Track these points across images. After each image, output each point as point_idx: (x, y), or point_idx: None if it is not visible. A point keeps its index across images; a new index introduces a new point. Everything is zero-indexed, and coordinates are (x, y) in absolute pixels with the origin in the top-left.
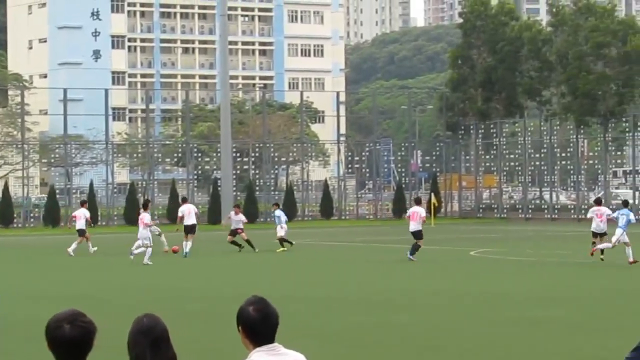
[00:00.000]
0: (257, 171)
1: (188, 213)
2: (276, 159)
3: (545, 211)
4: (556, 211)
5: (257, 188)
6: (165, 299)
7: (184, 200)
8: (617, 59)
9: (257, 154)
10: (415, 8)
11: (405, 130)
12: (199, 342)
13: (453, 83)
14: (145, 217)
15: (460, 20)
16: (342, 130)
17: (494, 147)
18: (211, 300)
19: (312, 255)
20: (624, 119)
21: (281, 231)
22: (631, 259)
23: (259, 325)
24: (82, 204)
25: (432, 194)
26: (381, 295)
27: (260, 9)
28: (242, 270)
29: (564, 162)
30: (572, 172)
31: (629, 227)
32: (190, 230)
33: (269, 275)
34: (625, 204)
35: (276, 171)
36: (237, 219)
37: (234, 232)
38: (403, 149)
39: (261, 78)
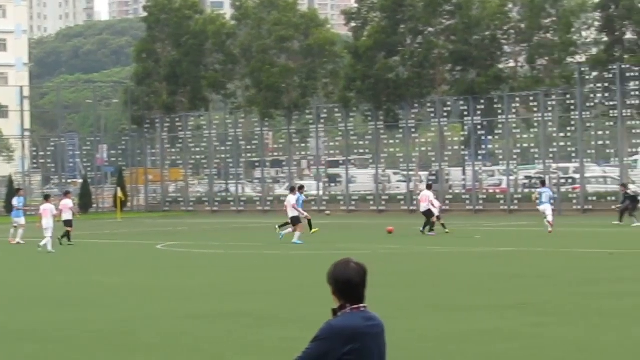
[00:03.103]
0: None
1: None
2: None
3: (232, 203)
4: (242, 203)
5: None
6: None
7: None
8: (300, 52)
9: None
10: (99, 2)
11: (90, 125)
12: None
13: (138, 77)
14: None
15: (145, 14)
16: (27, 125)
17: (180, 141)
18: None
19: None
20: (307, 111)
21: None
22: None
23: None
24: None
25: (119, 188)
26: (64, 292)
27: None
28: None
29: (249, 155)
30: (257, 164)
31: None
32: None
33: None
34: (543, 183)
35: None
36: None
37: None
38: (89, 143)
39: None
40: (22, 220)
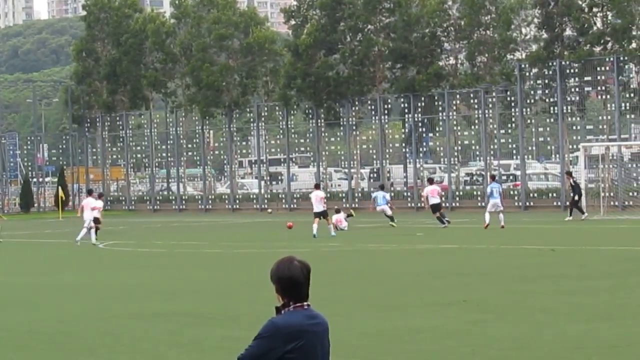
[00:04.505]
0: None
1: (316, 199)
2: None
3: (173, 202)
4: (184, 202)
5: None
6: None
7: (317, 187)
8: (239, 50)
9: None
10: (38, 1)
11: (30, 124)
12: None
13: (78, 76)
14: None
15: (84, 13)
16: None
17: (121, 140)
18: None
19: None
20: (248, 110)
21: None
22: (502, 224)
23: None
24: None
25: (60, 188)
26: (4, 292)
27: None
28: None
29: (190, 153)
30: (198, 162)
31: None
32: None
33: None
34: (493, 177)
35: None
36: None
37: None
38: (29, 142)
39: None
40: None
